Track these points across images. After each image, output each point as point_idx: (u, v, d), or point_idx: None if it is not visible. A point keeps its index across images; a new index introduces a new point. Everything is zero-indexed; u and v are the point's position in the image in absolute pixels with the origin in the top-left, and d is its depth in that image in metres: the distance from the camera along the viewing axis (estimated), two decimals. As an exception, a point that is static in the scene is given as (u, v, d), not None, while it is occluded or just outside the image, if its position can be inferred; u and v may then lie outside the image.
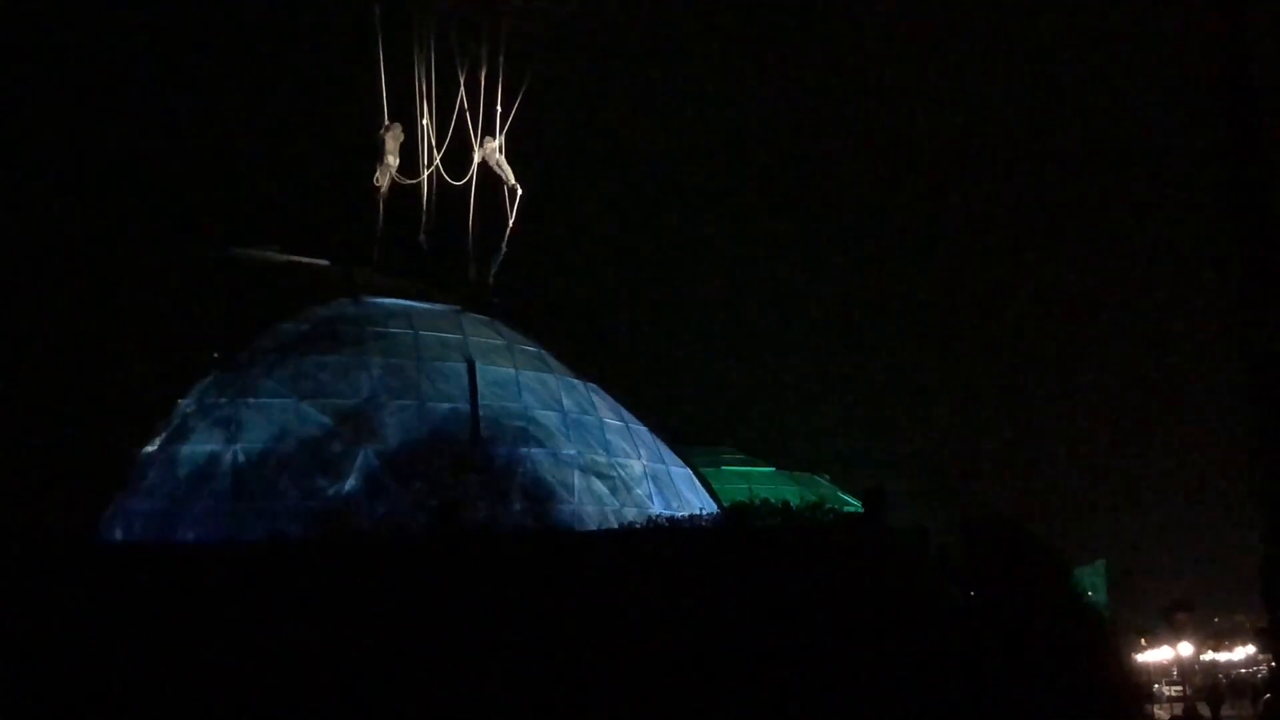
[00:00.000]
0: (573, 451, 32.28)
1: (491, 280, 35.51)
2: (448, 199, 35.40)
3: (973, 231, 54.78)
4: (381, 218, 34.82)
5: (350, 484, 29.82)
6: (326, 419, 30.73)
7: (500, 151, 35.50)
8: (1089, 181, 54.40)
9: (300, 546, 26.29)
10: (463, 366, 32.64)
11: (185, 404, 30.64)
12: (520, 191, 35.76)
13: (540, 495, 30.93)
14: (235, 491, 29.50)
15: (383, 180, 34.74)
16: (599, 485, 32.07)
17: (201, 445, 30.02)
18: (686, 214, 53.46)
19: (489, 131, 35.35)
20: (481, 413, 31.82)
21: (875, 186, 54.83)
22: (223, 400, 30.73)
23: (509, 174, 35.77)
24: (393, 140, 34.74)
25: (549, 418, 32.75)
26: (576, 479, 31.83)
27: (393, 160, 34.71)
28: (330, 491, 29.65)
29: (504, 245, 35.53)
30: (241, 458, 29.88)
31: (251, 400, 30.76)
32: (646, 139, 51.75)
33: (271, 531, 27.61)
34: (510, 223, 35.61)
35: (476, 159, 35.34)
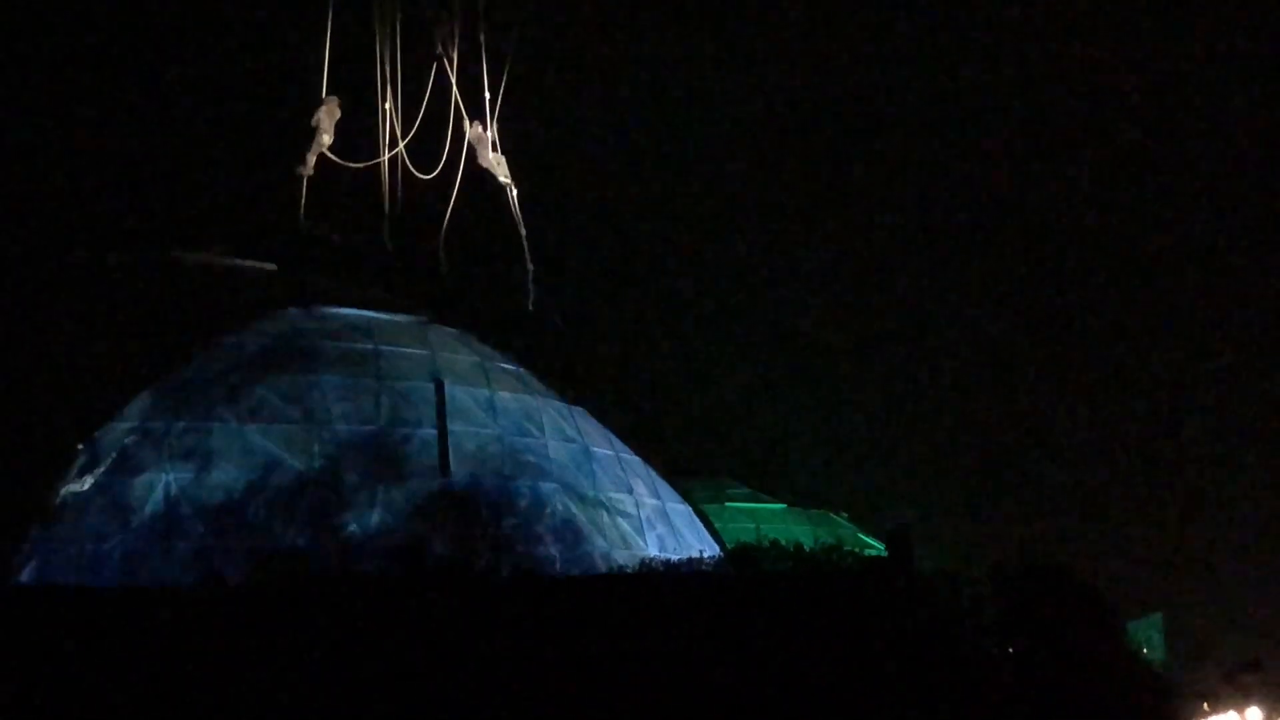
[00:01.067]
0: (554, 485, 32.19)
1: (533, 299, 35.41)
2: (415, 193, 35.26)
3: (1018, 247, 54.77)
4: (303, 201, 34.59)
5: (299, 520, 29.71)
6: (274, 446, 30.64)
7: (495, 147, 35.34)
8: (1141, 203, 54.44)
9: (241, 590, 26.21)
10: (430, 386, 32.57)
11: (114, 429, 30.55)
12: (515, 190, 35.59)
13: (516, 534, 30.83)
14: (168, 529, 29.41)
15: (310, 159, 34.46)
16: (584, 524, 31.97)
17: (132, 476, 29.96)
18: (684, 214, 53.43)
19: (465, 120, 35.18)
20: (451, 440, 31.73)
21: (904, 193, 54.86)
22: (157, 426, 30.65)
23: (503, 168, 35.49)
24: (328, 117, 34.57)
25: (528, 445, 32.67)
26: (559, 516, 31.74)
27: (326, 139, 34.52)
28: (276, 528, 29.55)
29: (528, 259, 35.42)
30: (175, 490, 29.81)
31: (189, 425, 30.69)
32: (645, 133, 51.74)
33: (208, 573, 27.52)
34: (523, 232, 35.50)
35: (469, 138, 35.00)
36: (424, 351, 33.61)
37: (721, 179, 54.35)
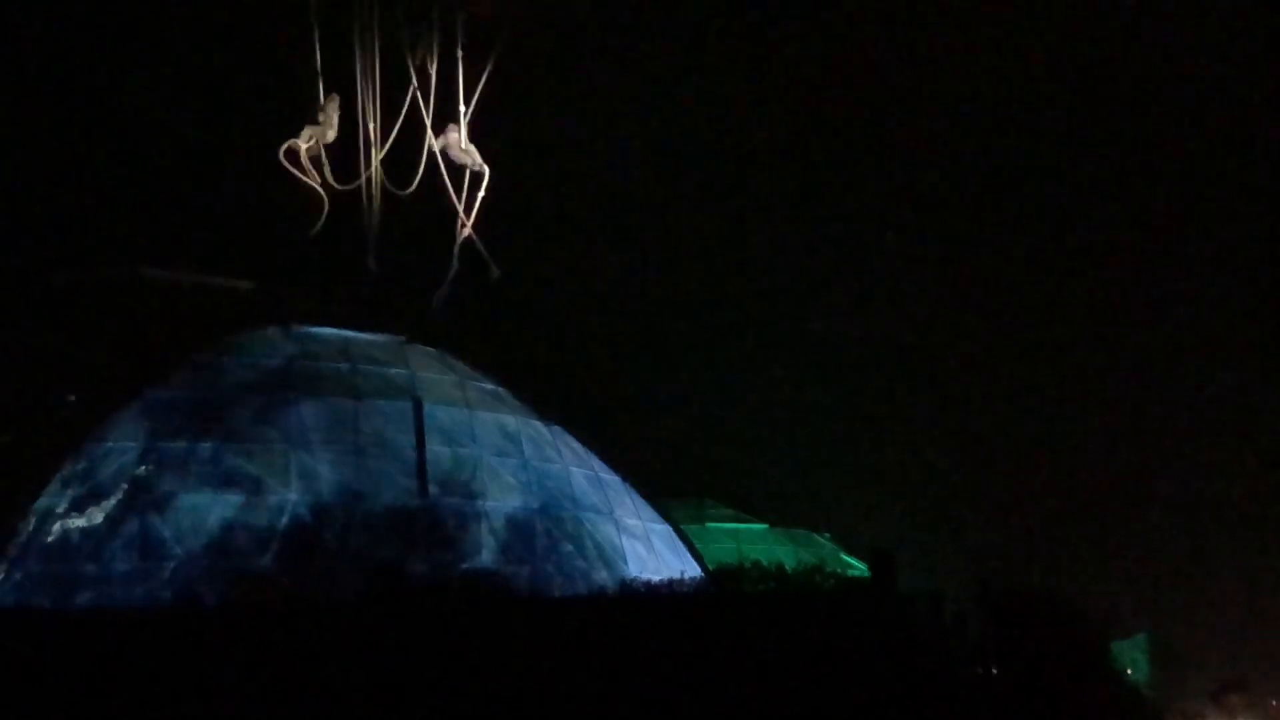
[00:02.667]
0: (534, 505, 32.14)
1: (439, 297, 35.01)
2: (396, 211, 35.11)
3: (997, 261, 54.81)
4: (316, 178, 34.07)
5: (275, 541, 29.60)
6: (248, 466, 30.53)
7: (464, 140, 35.00)
8: (1126, 215, 54.54)
9: (215, 612, 26.11)
10: (408, 406, 32.50)
11: (85, 450, 30.40)
12: (487, 173, 35.19)
13: (496, 555, 30.77)
14: (142, 549, 29.28)
15: (315, 138, 33.95)
16: (564, 544, 31.92)
17: (103, 497, 29.79)
18: (665, 231, 53.42)
19: (439, 128, 34.99)
20: (429, 459, 31.66)
21: (885, 207, 54.89)
22: (128, 445, 30.51)
23: (475, 156, 35.14)
24: (334, 111, 34.23)
25: (507, 465, 32.61)
26: (538, 536, 31.69)
27: (330, 134, 34.15)
28: (252, 549, 29.43)
29: (455, 257, 35.07)
30: (149, 510, 29.66)
31: (161, 445, 30.55)
32: (622, 141, 51.72)
33: (182, 595, 27.40)
34: (471, 218, 35.01)
35: (436, 147, 34.76)
36: (403, 371, 33.56)
37: (700, 197, 54.37)
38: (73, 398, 31.21)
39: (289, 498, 30.30)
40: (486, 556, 30.69)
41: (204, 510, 29.88)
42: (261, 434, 31.22)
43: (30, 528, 29.32)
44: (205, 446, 30.63)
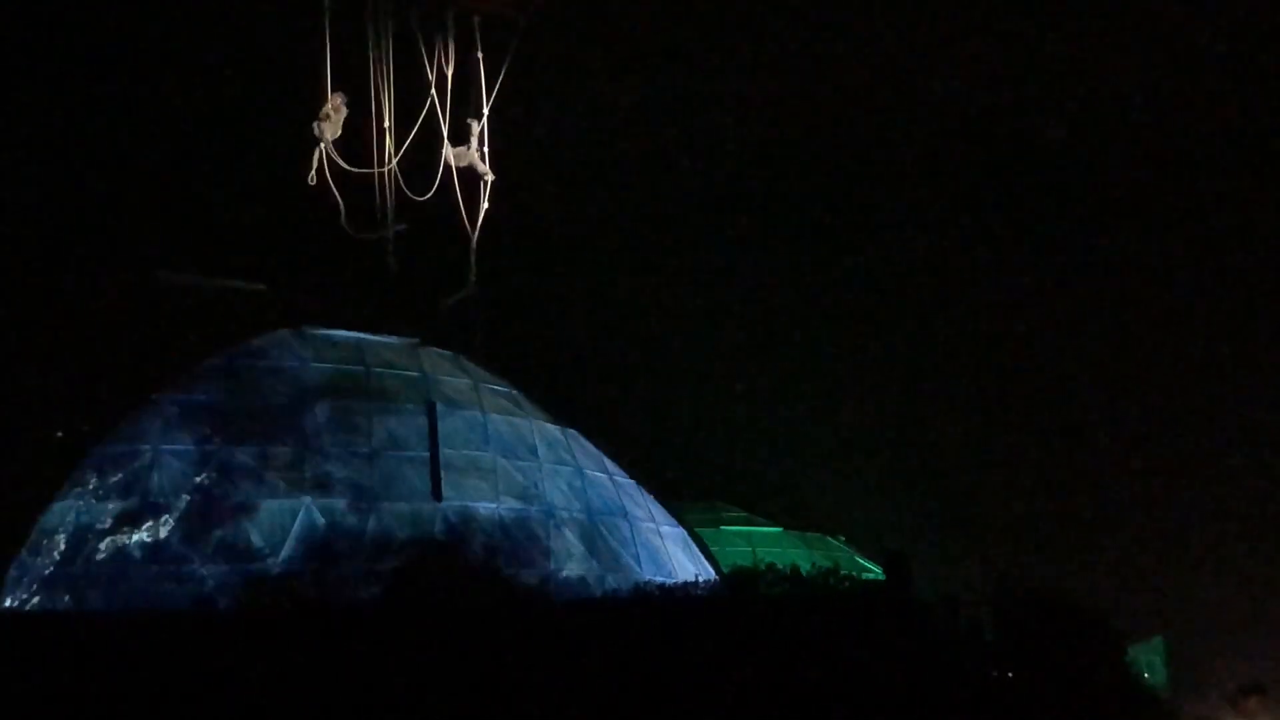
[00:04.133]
0: (548, 509, 32.21)
1: (450, 302, 35.04)
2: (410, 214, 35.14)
3: (1016, 262, 54.70)
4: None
5: (289, 545, 29.69)
6: (262, 469, 30.61)
7: (481, 143, 34.99)
8: (1148, 212, 54.32)
9: (228, 617, 26.19)
10: (422, 409, 32.57)
11: (97, 452, 30.49)
12: (489, 179, 35.20)
13: (510, 559, 30.82)
14: (154, 554, 29.36)
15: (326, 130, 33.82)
16: (578, 547, 31.99)
17: (115, 500, 29.87)
18: (677, 229, 53.39)
19: (457, 138, 35.01)
20: (443, 462, 31.73)
21: (902, 205, 54.77)
22: (142, 448, 30.61)
23: (485, 162, 35.15)
24: (339, 109, 34.11)
25: (521, 469, 32.69)
26: (552, 540, 31.77)
27: (334, 131, 34.03)
28: (265, 553, 29.53)
29: (472, 270, 35.15)
30: (163, 514, 29.76)
31: (174, 448, 30.68)
32: (638, 146, 51.71)
33: (196, 600, 27.48)
34: (478, 225, 34.99)
35: (455, 162, 34.74)
36: (416, 373, 33.64)
37: (718, 201, 54.32)
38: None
39: (301, 499, 30.39)
40: (500, 559, 30.73)
41: (216, 513, 29.99)
42: (276, 435, 31.32)
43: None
44: (219, 449, 30.72)
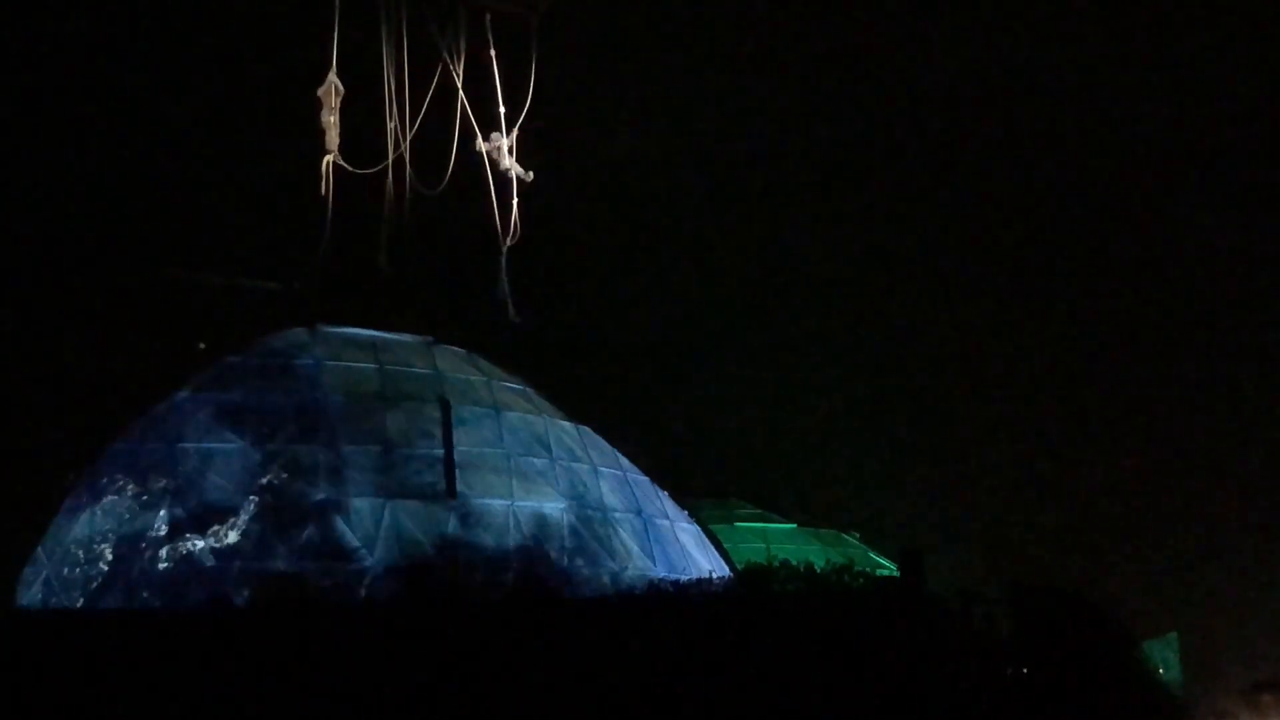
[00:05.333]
0: (562, 504, 32.26)
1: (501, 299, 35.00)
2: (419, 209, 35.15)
3: (1030, 258, 54.72)
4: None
5: (304, 542, 29.75)
6: (276, 467, 30.67)
7: (510, 152, 35.00)
8: (1167, 213, 54.28)
9: (246, 614, 26.26)
10: (436, 406, 32.63)
11: (115, 450, 30.58)
12: (516, 178, 35.17)
13: (524, 555, 30.88)
14: (118, 538, 29.41)
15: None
16: (592, 544, 32.04)
17: (135, 497, 29.96)
18: (689, 222, 53.43)
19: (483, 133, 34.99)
20: (457, 459, 31.79)
21: (915, 206, 54.83)
22: (158, 446, 30.68)
23: (517, 165, 35.13)
24: (336, 98, 33.97)
25: (535, 465, 32.73)
26: (566, 536, 31.81)
27: (332, 120, 33.87)
28: (281, 550, 29.58)
29: (504, 271, 35.13)
30: (180, 512, 29.81)
31: (191, 446, 30.74)
32: (649, 138, 51.72)
33: (214, 596, 27.55)
34: (511, 228, 35.00)
35: (485, 149, 34.65)
36: (430, 371, 33.70)
37: (733, 195, 54.37)
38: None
39: (315, 496, 30.43)
40: (514, 557, 30.80)
41: (232, 511, 30.02)
42: (291, 433, 31.34)
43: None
44: (235, 446, 30.78)
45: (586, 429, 34.68)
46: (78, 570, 29.08)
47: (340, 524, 29.86)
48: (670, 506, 34.69)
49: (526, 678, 24.98)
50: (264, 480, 30.22)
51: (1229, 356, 53.36)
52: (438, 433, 32.19)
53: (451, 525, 30.89)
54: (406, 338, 34.73)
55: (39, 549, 29.22)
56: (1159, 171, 54.02)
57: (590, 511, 32.63)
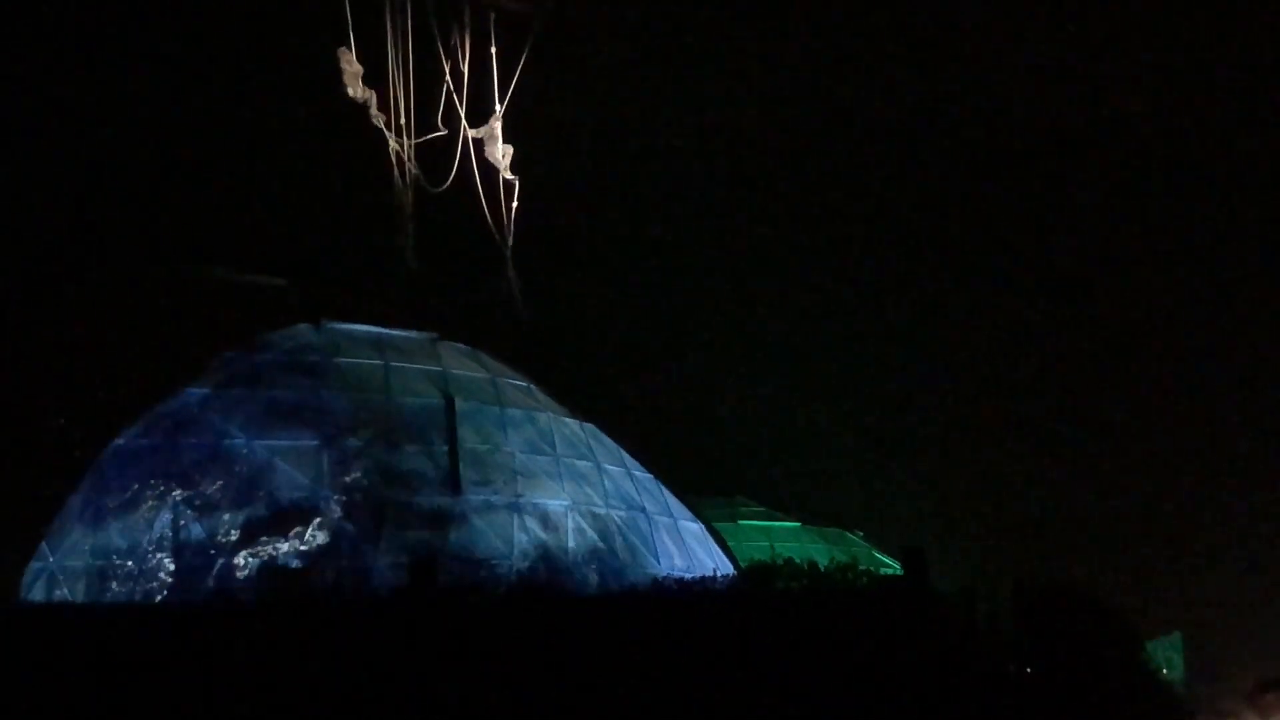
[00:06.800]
0: (566, 502, 32.26)
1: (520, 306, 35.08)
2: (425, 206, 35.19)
3: (1035, 258, 54.71)
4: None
5: (309, 537, 29.76)
6: (281, 462, 30.68)
7: (500, 140, 34.97)
8: (1173, 214, 54.23)
9: (251, 607, 26.26)
10: (440, 403, 32.63)
11: (118, 445, 30.57)
12: (516, 183, 35.24)
13: (528, 551, 30.90)
14: (176, 545, 29.44)
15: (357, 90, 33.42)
16: (596, 541, 32.04)
17: (138, 491, 29.95)
18: (697, 223, 53.40)
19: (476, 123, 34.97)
20: (461, 456, 31.79)
21: (917, 205, 54.79)
22: (162, 441, 30.67)
23: (507, 161, 35.13)
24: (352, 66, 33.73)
25: (539, 463, 32.74)
26: (570, 533, 31.81)
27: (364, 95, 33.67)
28: (286, 545, 29.59)
29: (510, 267, 35.16)
30: (184, 506, 29.82)
31: (195, 441, 30.73)
32: (651, 138, 51.69)
33: (219, 590, 27.57)
34: (509, 240, 35.16)
35: (478, 133, 34.61)
36: (435, 367, 33.70)
37: (736, 194, 54.34)
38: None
39: (321, 495, 30.42)
40: (518, 554, 30.82)
41: (237, 505, 29.95)
42: (296, 429, 31.28)
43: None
44: (239, 441, 30.74)
45: (591, 426, 34.68)
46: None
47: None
48: (674, 504, 34.68)
49: (530, 676, 24.99)
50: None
51: (1233, 356, 53.33)
52: (442, 427, 32.21)
53: (455, 522, 30.90)
54: (412, 334, 34.73)
55: (49, 561, 28.96)
56: (1160, 171, 53.97)
57: (594, 509, 32.63)
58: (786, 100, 53.75)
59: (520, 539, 31.06)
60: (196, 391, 31.23)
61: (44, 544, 29.31)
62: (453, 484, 31.41)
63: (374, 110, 33.26)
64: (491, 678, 24.89)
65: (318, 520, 29.73)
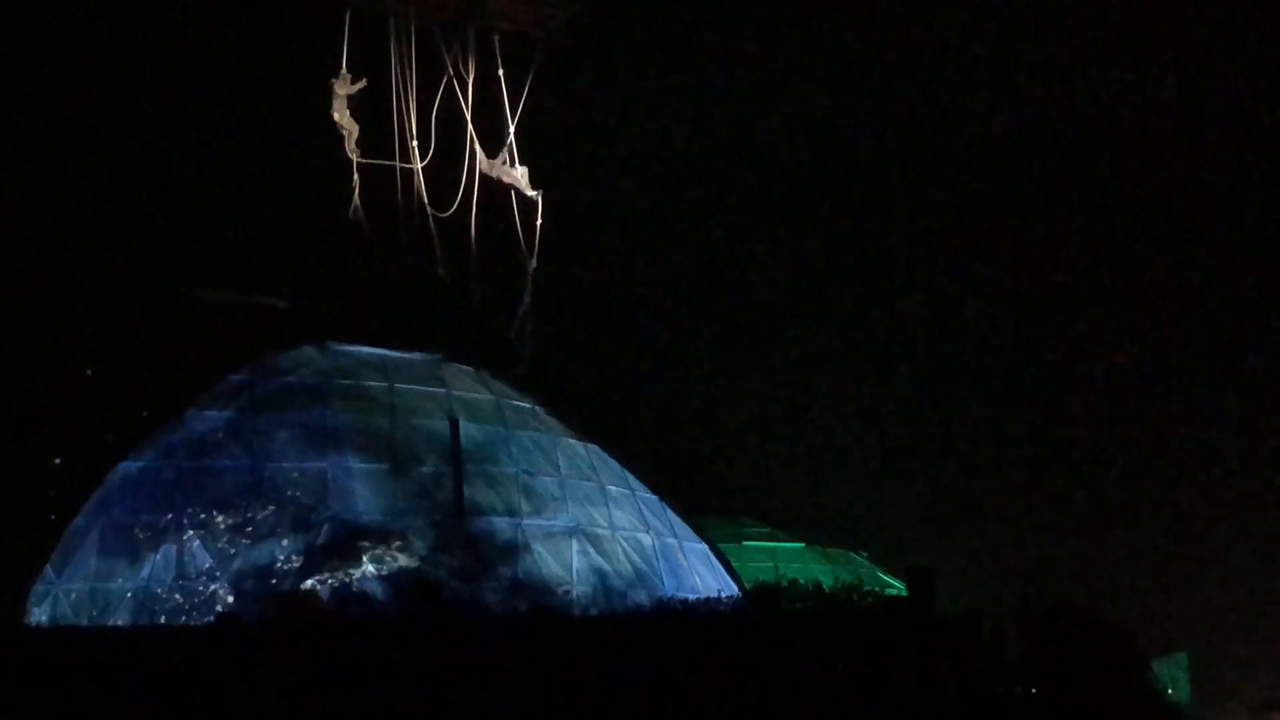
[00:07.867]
0: (570, 523, 32.21)
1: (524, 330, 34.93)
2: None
3: (1045, 277, 54.60)
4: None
5: (313, 560, 29.71)
6: (286, 485, 30.65)
7: (514, 161, 34.73)
8: (1186, 229, 54.15)
9: (254, 630, 26.22)
10: (444, 425, 32.62)
11: (123, 468, 30.56)
12: (540, 198, 35.04)
13: (532, 572, 30.85)
14: (179, 568, 29.40)
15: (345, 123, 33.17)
16: (600, 562, 31.99)
17: (141, 515, 29.94)
18: (702, 249, 53.39)
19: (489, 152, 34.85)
20: (466, 478, 31.76)
21: (930, 219, 54.71)
22: (166, 464, 30.66)
23: (526, 179, 34.89)
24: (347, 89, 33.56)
25: (543, 484, 32.71)
26: (575, 555, 31.77)
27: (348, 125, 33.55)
28: (289, 568, 29.55)
29: (528, 292, 34.95)
30: (188, 529, 29.80)
31: (199, 463, 30.72)
32: (653, 155, 51.69)
33: (221, 613, 27.52)
34: (532, 263, 34.92)
35: (486, 169, 34.51)
36: (439, 389, 33.68)
37: (740, 214, 54.33)
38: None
39: (326, 517, 30.39)
40: (523, 574, 30.77)
41: (241, 527, 29.97)
42: (300, 451, 31.30)
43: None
44: (243, 464, 30.76)
45: (595, 447, 34.64)
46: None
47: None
48: (679, 525, 34.62)
49: (533, 695, 24.92)
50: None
51: (1237, 374, 53.24)
52: (446, 449, 32.20)
53: (459, 542, 30.86)
54: (416, 356, 34.70)
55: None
56: (1163, 169, 53.89)
57: (598, 530, 32.59)
58: (794, 116, 53.76)
59: (523, 559, 31.03)
60: (217, 414, 31.15)
61: (48, 566, 29.31)
62: (456, 504, 31.38)
63: (351, 145, 32.85)
64: (494, 698, 24.85)
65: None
